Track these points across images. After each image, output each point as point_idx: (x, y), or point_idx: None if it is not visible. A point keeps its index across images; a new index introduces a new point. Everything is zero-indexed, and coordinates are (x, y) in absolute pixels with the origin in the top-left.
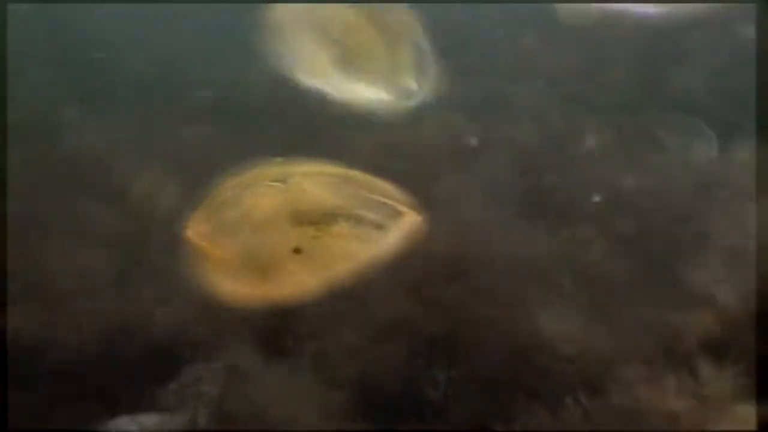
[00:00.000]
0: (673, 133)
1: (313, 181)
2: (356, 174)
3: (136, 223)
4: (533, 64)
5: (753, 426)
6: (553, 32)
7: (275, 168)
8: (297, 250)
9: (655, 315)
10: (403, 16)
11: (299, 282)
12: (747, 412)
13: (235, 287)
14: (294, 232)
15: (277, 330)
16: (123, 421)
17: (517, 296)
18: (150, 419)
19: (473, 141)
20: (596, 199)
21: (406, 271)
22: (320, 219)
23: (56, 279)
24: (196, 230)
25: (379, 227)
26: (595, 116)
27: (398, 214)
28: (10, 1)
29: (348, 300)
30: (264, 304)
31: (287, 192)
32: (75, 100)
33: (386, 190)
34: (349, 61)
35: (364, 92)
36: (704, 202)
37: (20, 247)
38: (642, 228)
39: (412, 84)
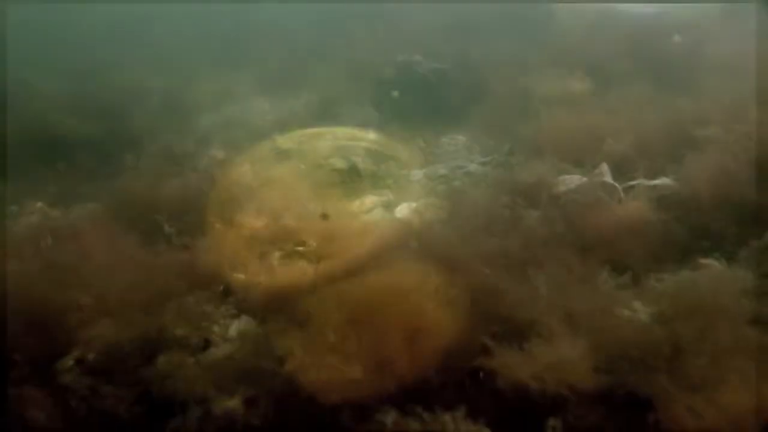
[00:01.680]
0: None
1: (325, 141)
2: (359, 132)
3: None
4: None
5: None
6: None
7: (284, 138)
8: (324, 216)
9: None
10: None
11: (333, 253)
12: None
13: (266, 265)
14: (318, 196)
15: None
16: None
17: None
18: None
19: None
20: None
21: None
22: (341, 179)
23: None
24: (218, 215)
25: (397, 183)
26: None
27: (407, 168)
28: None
29: None
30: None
31: (303, 156)
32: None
33: (390, 145)
34: None
35: None
36: None
37: None
38: None
39: None
